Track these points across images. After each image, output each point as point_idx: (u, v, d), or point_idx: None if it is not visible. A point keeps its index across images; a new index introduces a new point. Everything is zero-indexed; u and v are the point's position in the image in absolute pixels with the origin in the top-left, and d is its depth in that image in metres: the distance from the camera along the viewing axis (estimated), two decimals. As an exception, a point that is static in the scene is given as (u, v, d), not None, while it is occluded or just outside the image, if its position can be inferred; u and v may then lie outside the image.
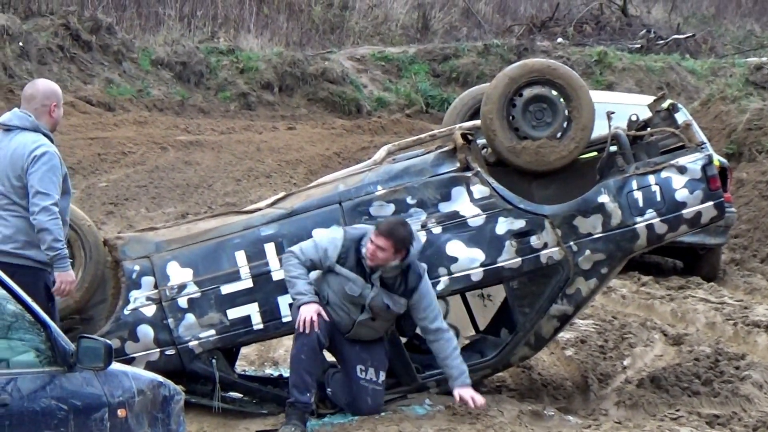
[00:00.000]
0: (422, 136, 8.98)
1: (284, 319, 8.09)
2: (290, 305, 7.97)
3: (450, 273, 8.19)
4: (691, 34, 30.49)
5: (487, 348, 8.51)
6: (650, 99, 9.15)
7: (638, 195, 8.25)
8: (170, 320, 8.14)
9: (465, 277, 8.21)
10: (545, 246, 8.22)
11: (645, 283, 13.41)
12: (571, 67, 11.22)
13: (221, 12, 27.19)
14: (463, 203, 8.23)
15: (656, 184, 8.27)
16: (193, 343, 8.14)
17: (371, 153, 13.70)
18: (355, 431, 7.64)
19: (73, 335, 5.86)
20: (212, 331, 8.15)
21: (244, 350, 9.19)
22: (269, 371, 9.34)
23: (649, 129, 8.56)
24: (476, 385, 8.40)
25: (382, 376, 7.98)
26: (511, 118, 8.40)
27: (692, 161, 8.32)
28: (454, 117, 9.26)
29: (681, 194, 8.26)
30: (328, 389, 8.10)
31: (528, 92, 8.41)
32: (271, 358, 9.73)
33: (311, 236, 8.03)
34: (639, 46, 29.11)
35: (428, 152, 8.55)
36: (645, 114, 8.70)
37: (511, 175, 8.51)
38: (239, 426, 8.01)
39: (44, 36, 22.42)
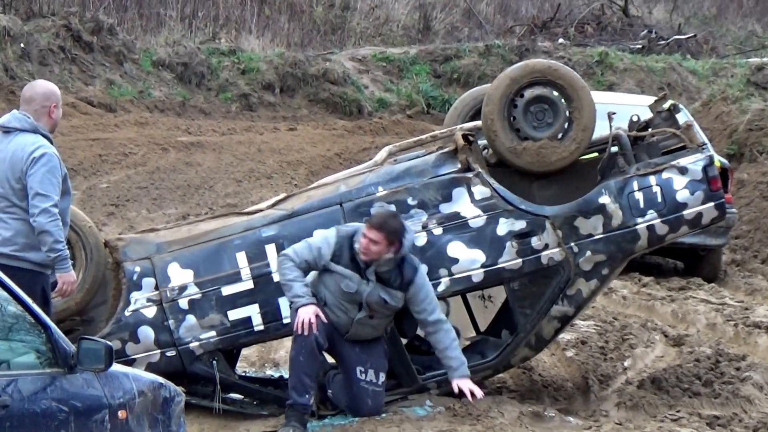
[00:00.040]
0: (423, 137, 8.98)
1: (285, 321, 8.09)
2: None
3: (451, 274, 8.19)
4: (692, 35, 30.48)
5: (487, 349, 8.50)
6: (651, 99, 9.14)
7: (639, 196, 8.26)
8: (171, 321, 8.14)
9: (466, 278, 8.22)
10: (546, 247, 8.22)
11: (646, 284, 13.41)
12: (573, 68, 11.21)
13: (222, 13, 27.20)
14: (464, 204, 8.23)
15: (657, 184, 8.27)
16: (193, 345, 8.14)
17: (372, 154, 13.71)
18: (355, 432, 7.65)
19: (74, 336, 5.86)
20: (213, 333, 8.15)
21: (244, 351, 9.20)
22: (270, 372, 9.35)
23: (650, 130, 8.56)
24: (477, 386, 8.41)
25: (382, 377, 7.99)
26: (512, 118, 8.40)
27: (693, 162, 8.32)
28: (455, 118, 9.26)
29: (682, 195, 8.27)
30: (329, 391, 8.10)
31: (529, 93, 8.41)
32: (271, 360, 9.73)
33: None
34: (640, 46, 29.10)
35: (429, 153, 8.55)
36: (646, 114, 8.70)
37: (512, 176, 8.51)
38: (240, 427, 8.01)
39: (45, 37, 22.43)
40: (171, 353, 8.14)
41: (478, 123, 8.60)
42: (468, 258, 8.19)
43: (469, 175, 8.26)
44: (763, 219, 16.18)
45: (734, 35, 32.60)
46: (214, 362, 8.14)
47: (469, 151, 8.32)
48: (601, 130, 8.52)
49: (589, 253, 8.22)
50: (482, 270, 8.22)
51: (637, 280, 13.51)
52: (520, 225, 8.22)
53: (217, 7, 27.14)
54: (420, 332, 8.57)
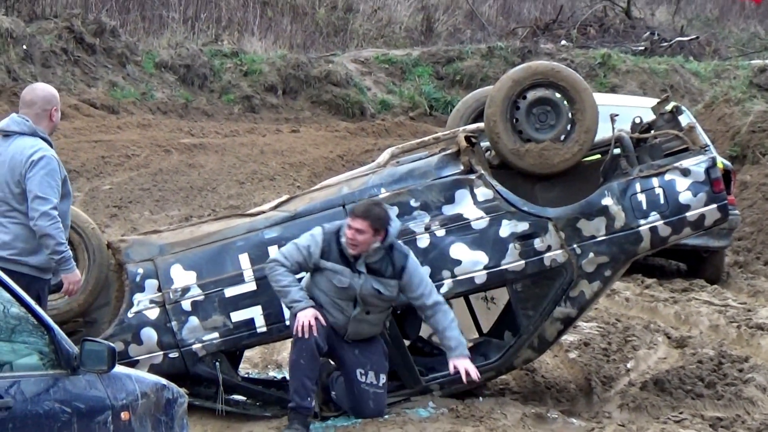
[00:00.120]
0: (426, 138, 8.99)
1: (287, 322, 8.08)
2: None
3: (453, 276, 8.19)
4: (694, 37, 30.46)
5: (490, 351, 8.50)
6: (654, 101, 9.14)
7: (642, 197, 8.26)
8: (174, 323, 8.14)
9: (468, 279, 8.22)
10: (549, 249, 8.22)
11: (648, 285, 13.41)
12: (575, 70, 11.20)
13: (225, 15, 27.19)
14: (466, 206, 8.23)
15: (660, 186, 8.27)
16: (196, 346, 8.15)
17: (375, 156, 13.69)
18: (358, 434, 7.66)
19: (77, 338, 5.87)
20: (216, 334, 8.15)
21: (247, 353, 9.20)
22: (273, 374, 9.35)
23: (652, 131, 8.55)
24: (480, 388, 8.41)
25: (383, 378, 7.98)
26: (514, 120, 8.40)
27: (696, 164, 8.32)
28: (458, 120, 9.25)
29: (684, 197, 8.26)
30: (333, 392, 8.10)
31: (532, 95, 8.41)
32: (274, 361, 9.74)
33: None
34: (643, 48, 29.09)
35: (432, 155, 8.55)
36: (648, 116, 8.70)
37: (514, 178, 8.51)
38: (242, 429, 8.01)
39: (48, 39, 22.42)
40: (174, 355, 8.14)
41: (481, 125, 8.60)
42: (471, 260, 8.19)
43: (472, 177, 8.27)
44: (766, 221, 16.16)
45: (737, 37, 32.58)
46: (217, 364, 8.14)
47: (472, 153, 8.32)
48: (603, 132, 8.51)
49: (591, 254, 8.22)
50: (485, 272, 8.22)
51: (639, 282, 13.51)
52: (523, 227, 8.22)
53: (219, 9, 27.14)
54: (423, 334, 8.59)
